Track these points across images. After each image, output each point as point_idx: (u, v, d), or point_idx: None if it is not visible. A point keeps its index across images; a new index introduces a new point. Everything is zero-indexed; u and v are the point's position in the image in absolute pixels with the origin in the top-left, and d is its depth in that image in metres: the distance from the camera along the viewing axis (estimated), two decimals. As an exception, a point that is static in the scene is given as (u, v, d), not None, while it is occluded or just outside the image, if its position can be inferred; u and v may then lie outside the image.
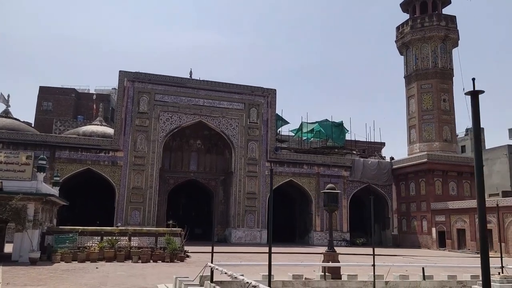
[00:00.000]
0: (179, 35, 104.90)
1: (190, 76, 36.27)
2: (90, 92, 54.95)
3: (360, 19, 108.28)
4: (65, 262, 17.40)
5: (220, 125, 35.44)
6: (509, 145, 50.97)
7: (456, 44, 41.07)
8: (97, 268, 16.01)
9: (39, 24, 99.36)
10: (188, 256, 20.82)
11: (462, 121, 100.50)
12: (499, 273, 12.02)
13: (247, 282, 6.77)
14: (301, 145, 44.75)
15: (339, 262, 13.84)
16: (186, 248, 21.36)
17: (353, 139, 45.50)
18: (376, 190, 38.73)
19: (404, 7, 43.10)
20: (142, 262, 18.31)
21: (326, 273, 12.12)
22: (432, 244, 35.01)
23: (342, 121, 42.38)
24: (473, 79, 3.50)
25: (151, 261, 18.77)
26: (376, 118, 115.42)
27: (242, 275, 8.18)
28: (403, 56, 42.37)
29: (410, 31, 40.71)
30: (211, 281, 9.75)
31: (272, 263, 6.94)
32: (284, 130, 44.00)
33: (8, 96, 36.89)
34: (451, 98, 39.61)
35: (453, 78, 40.28)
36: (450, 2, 42.19)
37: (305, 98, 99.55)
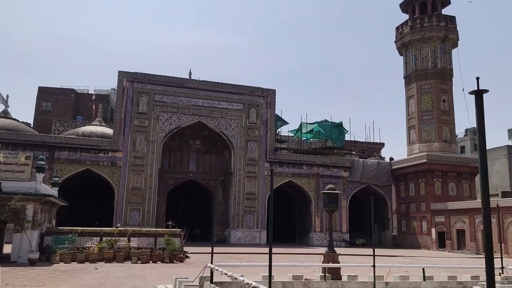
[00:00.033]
0: (179, 35, 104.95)
1: (190, 76, 36.25)
2: (89, 92, 54.96)
3: (360, 19, 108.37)
4: (64, 262, 17.35)
5: (220, 125, 35.42)
6: (508, 146, 51.07)
7: (455, 45, 41.08)
8: (96, 268, 15.97)
9: (38, 24, 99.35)
10: (187, 257, 20.78)
11: (462, 122, 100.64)
12: (499, 273, 12.01)
13: (248, 283, 6.74)
14: (301, 146, 44.74)
15: (339, 262, 13.81)
16: (185, 248, 21.31)
17: (353, 139, 45.51)
18: (376, 190, 38.70)
19: (404, 7, 43.11)
20: (141, 263, 18.26)
21: (326, 274, 12.09)
22: (432, 245, 34.99)
23: (341, 122, 42.41)
24: (477, 78, 3.47)
25: (151, 261, 18.73)
26: (375, 119, 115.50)
27: (242, 275, 8.15)
28: (402, 57, 42.37)
29: (409, 31, 40.71)
30: (211, 282, 9.71)
31: (272, 263, 6.91)
32: (284, 131, 44.05)
33: (7, 96, 36.86)
34: (450, 99, 39.61)
35: (453, 78, 40.29)
36: (449, 3, 42.21)
37: (305, 98, 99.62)
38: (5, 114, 35.78)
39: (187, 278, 10.09)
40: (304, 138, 44.97)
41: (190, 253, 21.71)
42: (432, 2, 41.07)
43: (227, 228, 35.67)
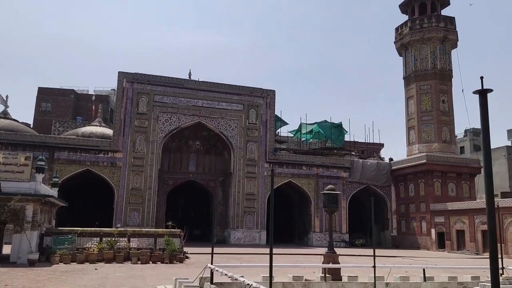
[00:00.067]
0: (179, 35, 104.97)
1: (189, 77, 36.26)
2: (89, 93, 54.96)
3: (360, 19, 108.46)
4: (64, 263, 17.32)
5: (219, 126, 35.42)
6: (508, 146, 51.13)
7: (455, 45, 41.12)
8: (96, 269, 15.94)
9: (38, 24, 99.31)
10: (187, 257, 20.76)
11: (461, 122, 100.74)
12: (500, 274, 12.00)
13: (248, 284, 6.73)
14: (300, 146, 44.75)
15: (339, 263, 13.79)
16: (185, 249, 21.30)
17: (352, 140, 45.55)
18: (375, 191, 38.71)
19: (403, 8, 43.16)
20: (141, 263, 18.24)
21: (327, 275, 12.08)
22: (431, 245, 34.99)
23: (341, 122, 42.44)
24: (481, 78, 3.46)
25: (150, 262, 18.71)
26: (375, 119, 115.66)
27: (242, 276, 8.13)
28: (402, 57, 42.40)
29: (409, 32, 40.75)
30: (211, 282, 9.70)
31: (272, 264, 6.90)
32: (283, 131, 44.12)
33: (7, 96, 36.84)
34: (450, 99, 39.64)
35: (452, 79, 40.34)
36: (449, 3, 42.26)
37: (304, 98, 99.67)
38: (5, 115, 35.77)
39: (187, 278, 10.07)
40: (304, 139, 44.98)
41: (190, 253, 21.69)
42: (432, 3, 41.13)
43: (226, 228, 35.65)
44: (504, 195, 33.95)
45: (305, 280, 11.74)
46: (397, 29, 42.80)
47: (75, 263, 17.64)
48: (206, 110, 35.10)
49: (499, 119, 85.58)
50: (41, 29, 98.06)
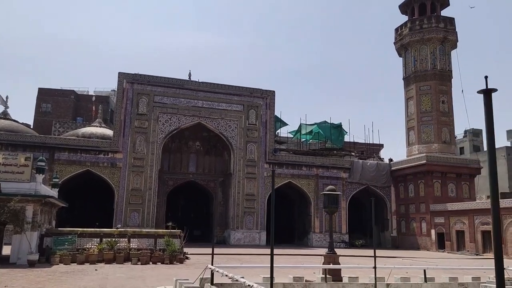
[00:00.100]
0: (179, 36, 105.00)
1: (189, 77, 36.27)
2: (89, 93, 54.92)
3: (360, 19, 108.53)
4: (64, 264, 17.30)
5: (219, 126, 35.42)
6: (507, 147, 51.12)
7: (454, 46, 41.15)
8: (96, 270, 15.93)
9: (38, 25, 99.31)
10: (187, 258, 20.75)
11: (461, 123, 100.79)
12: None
13: (249, 285, 6.73)
14: (300, 147, 44.76)
15: (339, 264, 13.78)
16: (185, 249, 21.29)
17: (352, 140, 45.59)
18: (375, 191, 38.71)
19: (403, 8, 43.20)
20: (141, 264, 18.23)
21: (327, 275, 12.06)
22: (431, 246, 34.99)
23: (340, 123, 42.47)
24: (486, 77, 3.47)
25: (151, 263, 18.70)
26: (375, 120, 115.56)
27: (243, 277, 8.13)
28: (402, 58, 42.42)
29: (408, 33, 40.78)
30: (211, 283, 9.69)
31: (273, 265, 6.90)
32: (283, 132, 44.11)
33: (7, 97, 36.83)
34: (449, 100, 39.66)
35: (452, 79, 40.37)
36: (448, 4, 42.30)
37: (304, 99, 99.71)
38: (5, 115, 35.76)
39: (188, 279, 10.07)
40: (304, 139, 44.99)
41: (190, 254, 21.69)
42: (431, 4, 41.16)
43: (226, 229, 35.65)
44: (504, 195, 33.93)
45: (306, 281, 11.72)
46: (397, 29, 42.82)
47: (75, 264, 17.62)
48: (206, 111, 35.11)
49: (498, 120, 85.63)
50: (41, 30, 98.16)
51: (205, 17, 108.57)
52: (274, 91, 37.14)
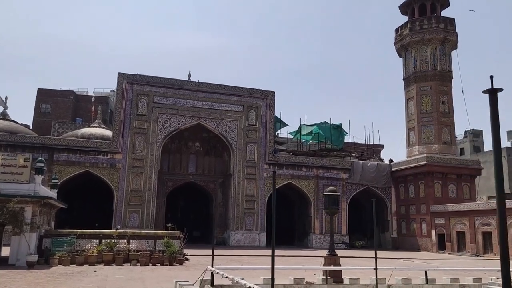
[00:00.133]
0: (179, 36, 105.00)
1: (189, 78, 36.20)
2: (89, 94, 54.85)
3: (360, 20, 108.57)
4: (63, 265, 17.21)
5: (219, 127, 35.36)
6: (508, 148, 51.02)
7: (455, 46, 41.12)
8: (95, 271, 15.84)
9: (38, 25, 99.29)
10: (187, 259, 20.66)
11: (461, 123, 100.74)
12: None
13: (249, 287, 6.65)
14: (300, 148, 44.67)
15: (340, 265, 13.70)
16: (185, 251, 21.19)
17: (352, 141, 45.50)
18: (375, 192, 38.63)
19: (403, 9, 43.16)
20: (141, 265, 18.14)
21: (328, 277, 11.99)
22: (432, 247, 34.91)
23: (340, 124, 42.38)
24: (491, 77, 3.40)
25: (150, 264, 18.61)
26: (375, 120, 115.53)
27: (243, 279, 8.06)
28: (402, 58, 42.37)
29: (409, 33, 40.74)
30: (212, 285, 9.62)
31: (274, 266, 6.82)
32: (283, 133, 44.00)
33: (6, 98, 36.79)
34: (450, 100, 39.60)
35: (452, 80, 40.31)
36: (448, 5, 42.27)
37: (304, 99, 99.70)
38: (4, 116, 35.69)
39: (187, 281, 10.00)
40: (304, 140, 44.91)
41: (190, 255, 21.59)
42: (432, 4, 41.13)
43: (226, 230, 35.55)
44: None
45: (306, 282, 11.65)
46: (397, 30, 42.78)
47: (74, 265, 17.53)
48: (205, 111, 35.05)
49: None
50: (41, 30, 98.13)
51: (205, 17, 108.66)
52: (274, 92, 37.10)
